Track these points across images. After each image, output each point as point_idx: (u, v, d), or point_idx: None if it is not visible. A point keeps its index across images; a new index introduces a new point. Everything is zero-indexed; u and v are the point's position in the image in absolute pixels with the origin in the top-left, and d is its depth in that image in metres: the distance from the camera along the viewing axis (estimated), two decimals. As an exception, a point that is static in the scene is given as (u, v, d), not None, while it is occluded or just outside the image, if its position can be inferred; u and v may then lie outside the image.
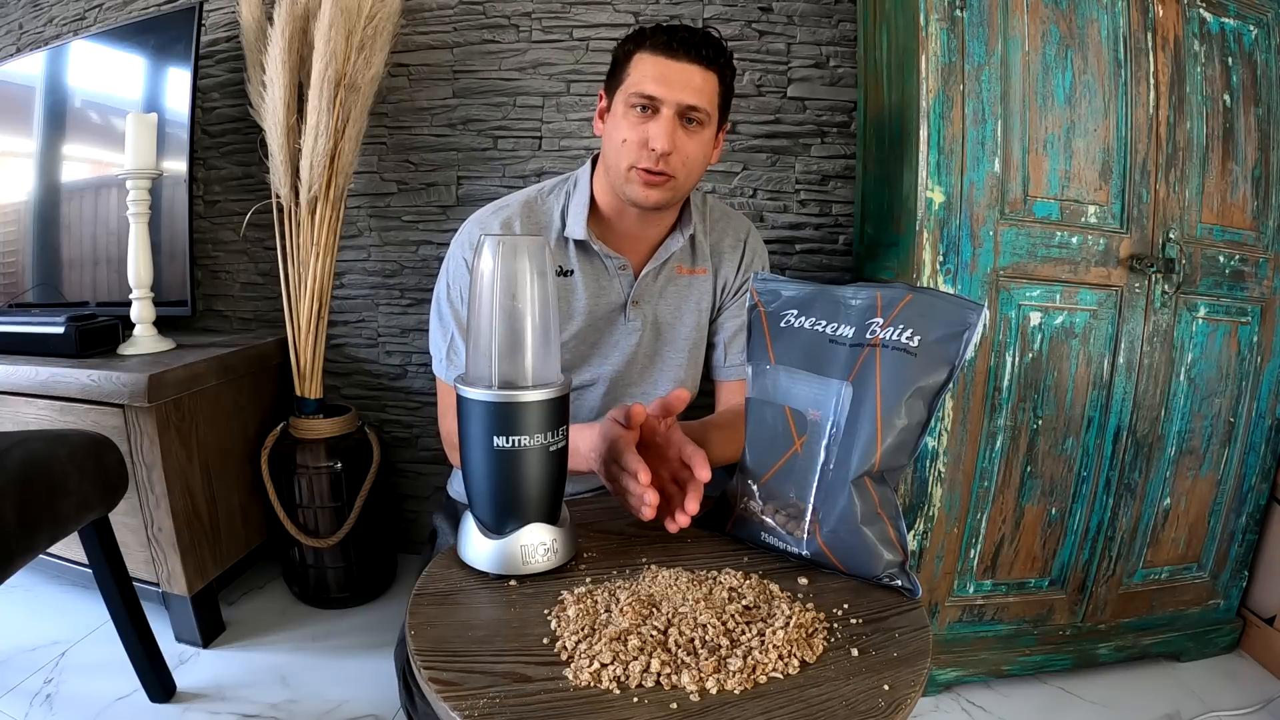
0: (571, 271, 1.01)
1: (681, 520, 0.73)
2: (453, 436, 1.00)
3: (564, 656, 0.56)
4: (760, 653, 0.56)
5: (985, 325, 0.67)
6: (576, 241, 1.00)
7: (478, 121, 1.57)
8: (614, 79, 0.95)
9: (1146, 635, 1.34)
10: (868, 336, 0.69)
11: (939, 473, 1.16)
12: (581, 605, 0.62)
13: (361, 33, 1.35)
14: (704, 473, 0.72)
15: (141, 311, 1.41)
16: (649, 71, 0.90)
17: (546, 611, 0.63)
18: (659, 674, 0.54)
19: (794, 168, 1.54)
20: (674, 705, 0.51)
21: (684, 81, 0.89)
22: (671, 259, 1.04)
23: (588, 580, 0.68)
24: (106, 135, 1.60)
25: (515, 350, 0.65)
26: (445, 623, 0.62)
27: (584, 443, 0.83)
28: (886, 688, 0.54)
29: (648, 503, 0.70)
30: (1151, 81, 1.14)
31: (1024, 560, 1.26)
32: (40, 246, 1.67)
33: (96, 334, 1.37)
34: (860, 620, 0.63)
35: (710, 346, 1.12)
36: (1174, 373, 1.23)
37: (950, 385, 0.66)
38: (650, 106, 0.90)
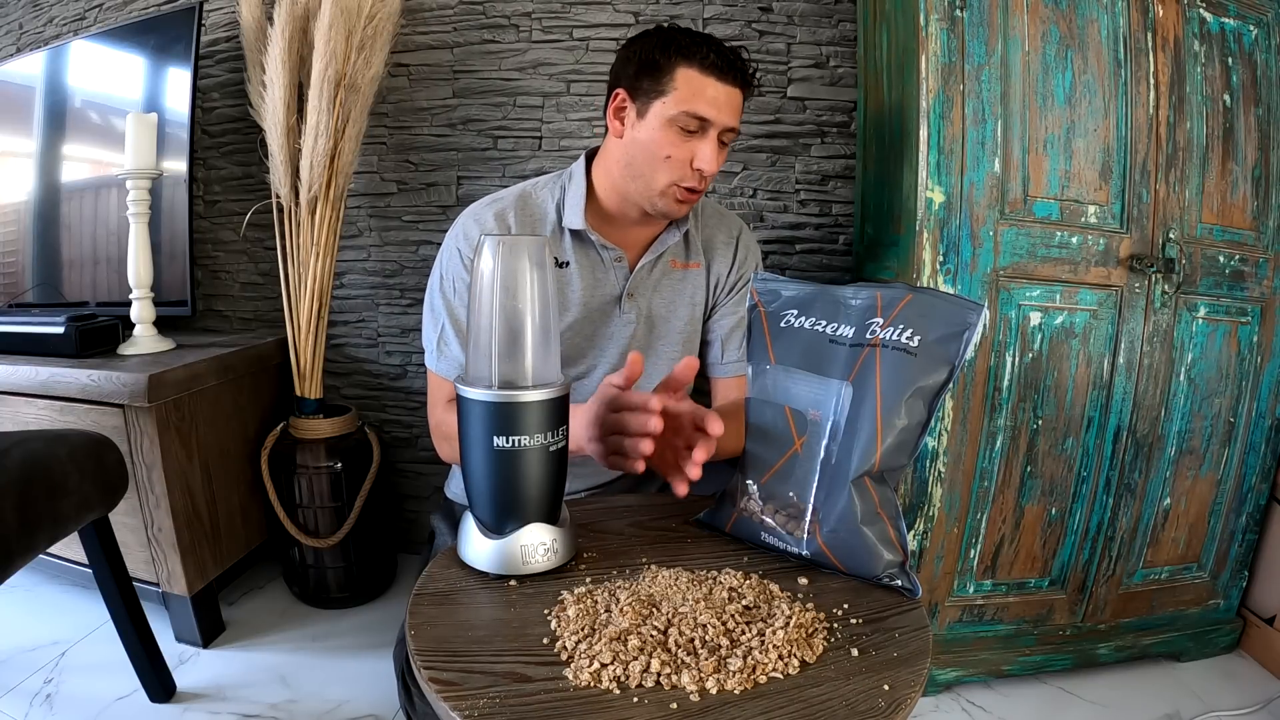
0: (567, 263, 1.01)
1: (692, 473, 0.73)
2: (441, 427, 1.00)
3: (564, 656, 0.56)
4: (760, 653, 0.56)
5: (985, 325, 0.67)
6: (573, 232, 1.00)
7: (478, 121, 1.57)
8: (650, 84, 0.91)
9: (1146, 635, 1.34)
10: (868, 336, 0.69)
11: (939, 473, 1.16)
12: (581, 605, 0.62)
13: (361, 33, 1.35)
14: (716, 427, 0.72)
15: (141, 311, 1.41)
16: (702, 92, 0.89)
17: (546, 611, 0.63)
18: (659, 674, 0.54)
19: (794, 168, 1.54)
20: (674, 705, 0.51)
21: (731, 105, 0.91)
22: (666, 253, 1.05)
23: (588, 580, 0.68)
24: (106, 135, 1.60)
25: (515, 350, 0.65)
26: (445, 623, 0.62)
27: (575, 422, 0.83)
28: (886, 688, 0.54)
29: (652, 428, 0.72)
30: (1151, 81, 1.14)
31: (1024, 560, 1.26)
32: (40, 246, 1.67)
33: (96, 334, 1.37)
34: (860, 620, 0.63)
35: (706, 344, 1.12)
36: (1174, 373, 1.23)
37: (950, 385, 0.66)
38: (699, 127, 0.90)
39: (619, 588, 0.65)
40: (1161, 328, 1.20)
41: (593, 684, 0.53)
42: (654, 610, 0.60)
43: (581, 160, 1.03)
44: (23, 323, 1.37)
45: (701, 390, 1.15)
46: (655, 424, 0.72)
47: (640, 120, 0.93)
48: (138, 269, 1.38)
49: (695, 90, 0.89)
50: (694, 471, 0.73)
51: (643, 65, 0.92)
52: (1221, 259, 1.21)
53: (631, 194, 0.97)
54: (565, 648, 0.57)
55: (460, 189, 1.60)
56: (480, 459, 0.66)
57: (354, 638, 1.43)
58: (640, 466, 0.75)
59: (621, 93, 0.95)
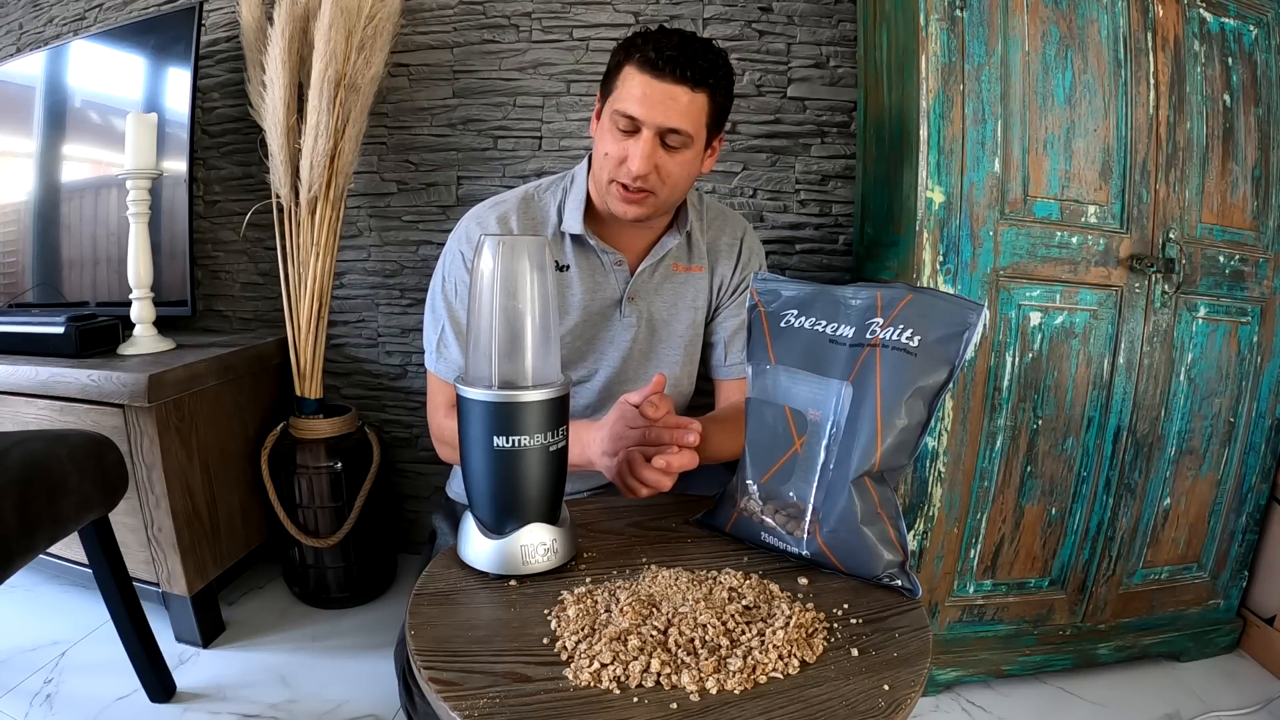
0: (567, 267, 1.01)
1: (672, 458, 0.77)
2: (442, 431, 1.01)
3: (564, 656, 0.56)
4: (760, 653, 0.56)
5: (985, 325, 0.67)
6: (573, 236, 1.00)
7: (478, 121, 1.57)
8: (606, 86, 0.93)
9: (1146, 635, 1.34)
10: (868, 336, 0.69)
11: (939, 473, 1.16)
12: (581, 605, 0.62)
13: (361, 33, 1.35)
14: (692, 437, 0.79)
15: (141, 311, 1.41)
16: (633, 90, 0.88)
17: (546, 611, 0.63)
18: (659, 674, 0.54)
19: (794, 168, 1.54)
20: (674, 705, 0.51)
21: (666, 103, 0.87)
22: (668, 256, 1.05)
23: (588, 580, 0.68)
24: (106, 135, 1.60)
25: (515, 350, 0.66)
26: (445, 623, 0.62)
27: (593, 443, 0.84)
28: (886, 688, 0.54)
29: (690, 442, 0.78)
30: (1151, 81, 1.14)
31: (1024, 560, 1.26)
32: (40, 246, 1.67)
33: (96, 334, 1.37)
34: (860, 620, 0.63)
35: (710, 346, 1.12)
36: (1174, 373, 1.23)
37: (950, 385, 0.66)
38: (631, 125, 0.89)
39: (619, 588, 0.65)
40: (1161, 328, 1.20)
41: (593, 684, 0.53)
42: (654, 610, 0.60)
43: (584, 163, 1.03)
44: (23, 323, 1.37)
45: (704, 390, 1.15)
46: (693, 438, 0.77)
47: (599, 120, 0.95)
48: (138, 269, 1.38)
49: (628, 88, 0.88)
50: (675, 458, 0.78)
51: (607, 68, 0.94)
52: (1221, 259, 1.21)
53: (597, 193, 0.98)
54: (565, 648, 0.57)
55: (460, 189, 1.60)
56: (480, 459, 0.66)
57: (354, 638, 1.43)
58: (644, 492, 0.78)
59: (598, 95, 0.98)
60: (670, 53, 0.86)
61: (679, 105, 0.87)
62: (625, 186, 0.91)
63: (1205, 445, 1.29)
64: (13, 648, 1.35)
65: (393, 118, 1.59)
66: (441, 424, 1.01)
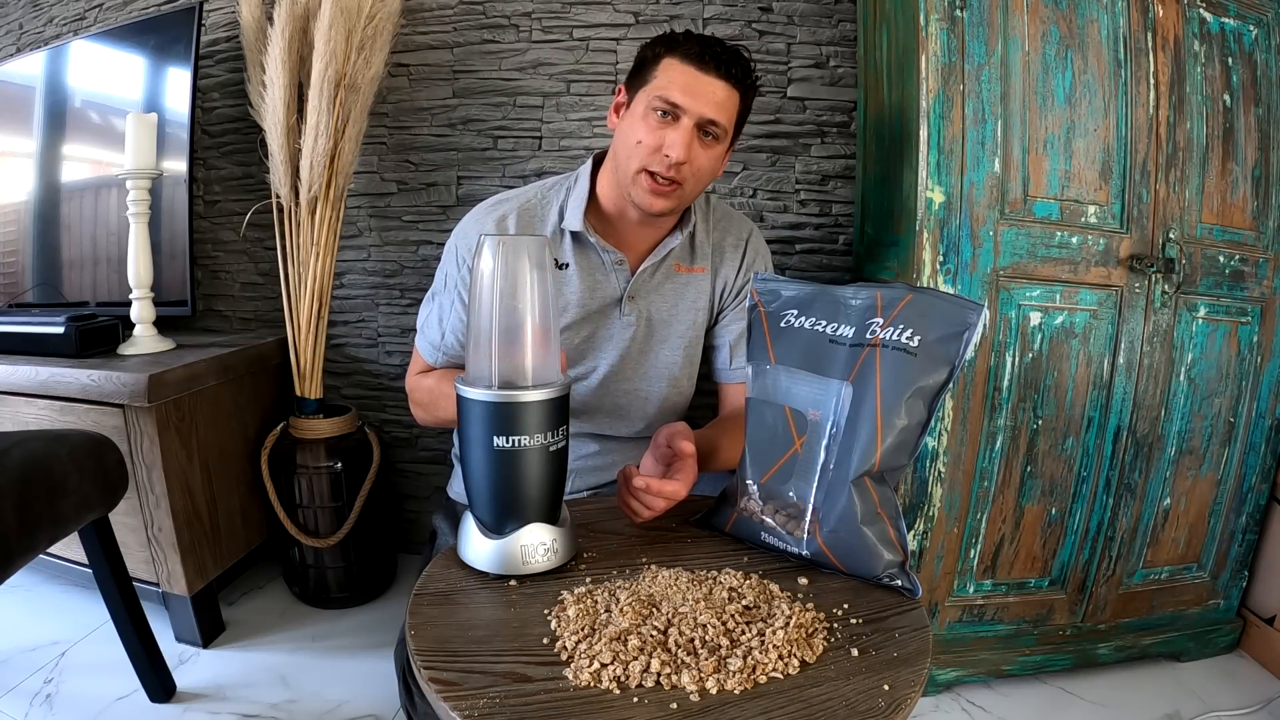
0: (566, 265, 1.01)
1: (653, 484, 0.78)
2: (415, 393, 1.09)
3: (564, 656, 0.56)
4: (760, 653, 0.56)
5: (985, 325, 0.67)
6: (573, 234, 1.00)
7: (478, 121, 1.57)
8: (638, 78, 0.94)
9: (1146, 635, 1.34)
10: (868, 336, 0.69)
11: (939, 473, 1.16)
12: (581, 605, 0.62)
13: (361, 33, 1.35)
14: (678, 490, 0.79)
15: (141, 311, 1.41)
16: (676, 79, 0.90)
17: (546, 611, 0.63)
18: (659, 674, 0.54)
19: (794, 168, 1.54)
20: (674, 705, 0.51)
21: (709, 95, 0.90)
22: (670, 256, 1.04)
23: (588, 580, 0.68)
24: (106, 135, 1.60)
25: (515, 350, 0.66)
26: (445, 623, 0.62)
27: None
28: (886, 688, 0.54)
29: (659, 509, 0.79)
30: (1151, 81, 1.14)
31: (1024, 560, 1.26)
32: (40, 246, 1.67)
33: (96, 334, 1.37)
34: (860, 620, 0.63)
35: (714, 349, 1.12)
36: (1174, 373, 1.23)
37: (950, 385, 0.66)
38: (671, 113, 0.90)
39: (619, 588, 0.65)
40: (1161, 328, 1.20)
41: (593, 684, 0.53)
42: (654, 610, 0.60)
43: (588, 163, 1.03)
44: (23, 323, 1.37)
45: (706, 390, 1.15)
46: (661, 505, 0.79)
47: (627, 111, 0.96)
48: (138, 269, 1.38)
49: (671, 78, 0.90)
50: (657, 486, 0.78)
51: (639, 61, 0.96)
52: (1221, 259, 1.21)
53: (619, 185, 0.98)
54: (565, 648, 0.57)
55: (460, 189, 1.60)
56: (480, 459, 0.66)
57: (354, 638, 1.43)
58: (643, 516, 0.80)
59: (621, 89, 0.98)
60: (715, 49, 0.91)
61: (718, 99, 0.91)
62: (656, 177, 0.92)
63: (1205, 445, 1.29)
64: (13, 648, 1.35)
65: (393, 118, 1.59)
66: (415, 385, 1.08)
